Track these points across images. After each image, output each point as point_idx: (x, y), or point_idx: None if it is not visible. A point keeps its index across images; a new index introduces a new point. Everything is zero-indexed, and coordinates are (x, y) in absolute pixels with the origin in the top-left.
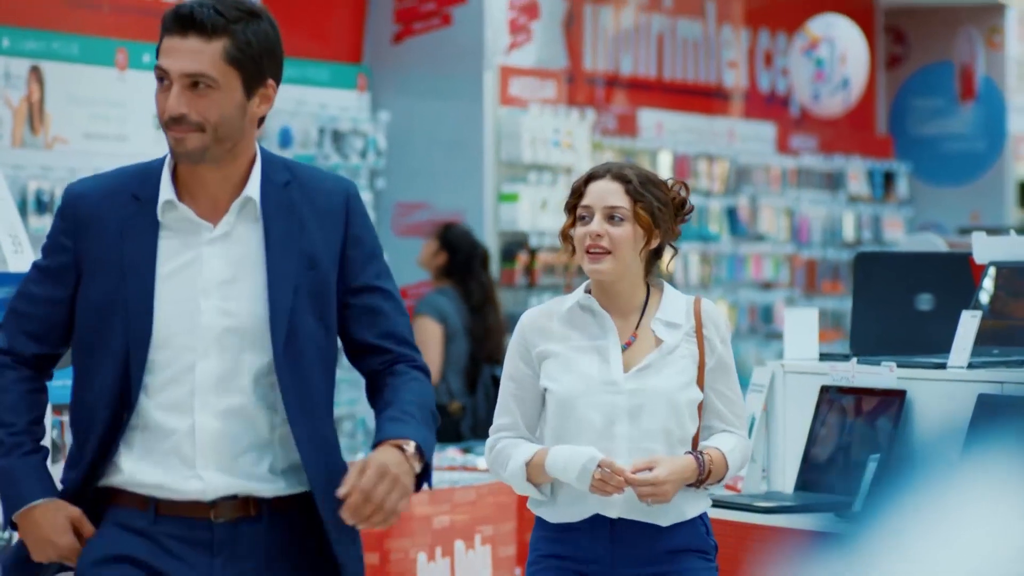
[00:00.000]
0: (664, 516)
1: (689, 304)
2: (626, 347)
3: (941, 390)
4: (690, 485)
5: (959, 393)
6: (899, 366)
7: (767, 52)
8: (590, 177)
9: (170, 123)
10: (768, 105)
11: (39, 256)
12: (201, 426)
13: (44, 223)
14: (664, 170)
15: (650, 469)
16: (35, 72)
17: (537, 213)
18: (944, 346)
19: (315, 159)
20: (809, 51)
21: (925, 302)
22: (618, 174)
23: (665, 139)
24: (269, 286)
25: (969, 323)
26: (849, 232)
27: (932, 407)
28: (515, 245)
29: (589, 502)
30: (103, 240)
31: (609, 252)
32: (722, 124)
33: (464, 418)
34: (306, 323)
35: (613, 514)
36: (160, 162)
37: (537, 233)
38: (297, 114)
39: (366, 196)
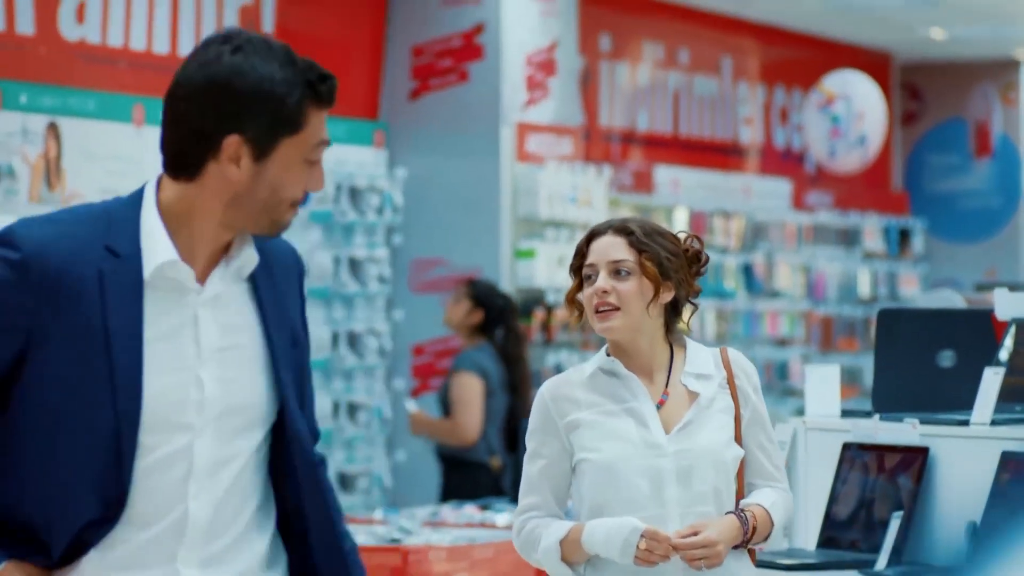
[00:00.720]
0: None
1: (716, 355)
2: (660, 407)
3: (964, 447)
4: (736, 547)
5: (982, 450)
6: (922, 423)
7: (783, 108)
8: (592, 235)
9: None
10: (784, 161)
11: None
12: (194, 516)
13: None
14: (680, 227)
15: (696, 534)
16: (52, 128)
17: (554, 269)
18: (966, 403)
19: (332, 215)
20: (825, 107)
21: (947, 359)
22: (620, 228)
23: (681, 196)
24: (271, 358)
25: (992, 380)
26: (865, 289)
27: (955, 464)
28: (532, 302)
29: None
30: (81, 302)
31: (618, 308)
32: (738, 180)
33: (505, 474)
34: (292, 401)
35: None
36: (119, 206)
37: (554, 289)
38: None
39: (383, 252)
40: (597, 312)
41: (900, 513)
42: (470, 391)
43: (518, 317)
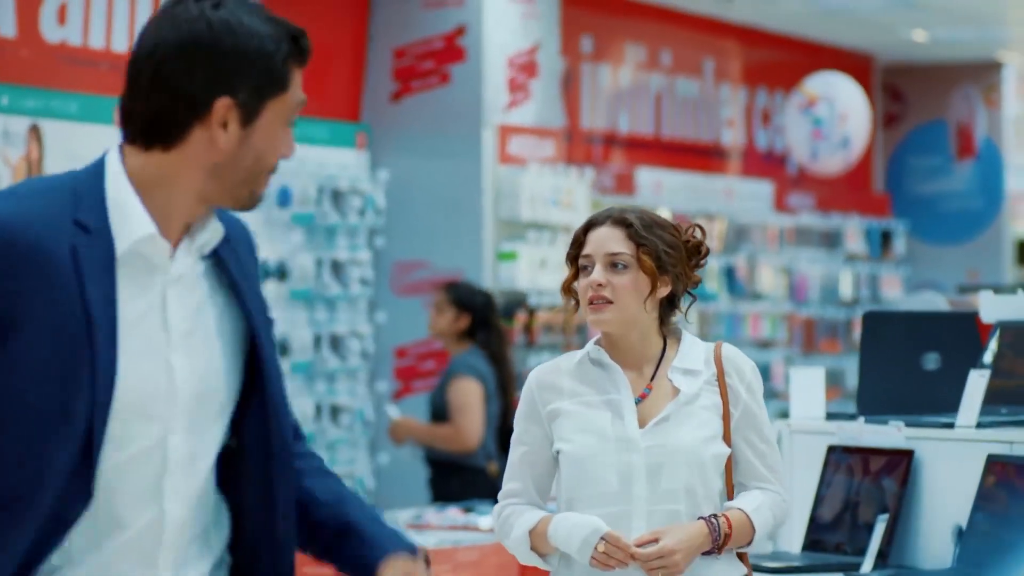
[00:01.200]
0: None
1: (709, 350)
2: (640, 400)
3: (950, 450)
4: (708, 552)
5: (968, 453)
6: (907, 425)
7: (765, 110)
8: (590, 224)
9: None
10: (766, 163)
11: None
12: (171, 516)
13: None
14: None
15: (657, 541)
16: (34, 130)
17: (536, 271)
18: (951, 405)
19: (314, 218)
20: (807, 109)
21: (932, 361)
22: (619, 219)
23: (663, 197)
24: (243, 338)
25: (977, 383)
26: (847, 290)
27: (940, 467)
28: (514, 304)
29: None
30: (55, 283)
31: (611, 302)
32: (720, 182)
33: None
34: (278, 379)
35: None
36: (84, 177)
37: (536, 292)
38: (296, 173)
39: (365, 255)
40: (591, 304)
41: (885, 516)
42: (470, 396)
43: (499, 313)
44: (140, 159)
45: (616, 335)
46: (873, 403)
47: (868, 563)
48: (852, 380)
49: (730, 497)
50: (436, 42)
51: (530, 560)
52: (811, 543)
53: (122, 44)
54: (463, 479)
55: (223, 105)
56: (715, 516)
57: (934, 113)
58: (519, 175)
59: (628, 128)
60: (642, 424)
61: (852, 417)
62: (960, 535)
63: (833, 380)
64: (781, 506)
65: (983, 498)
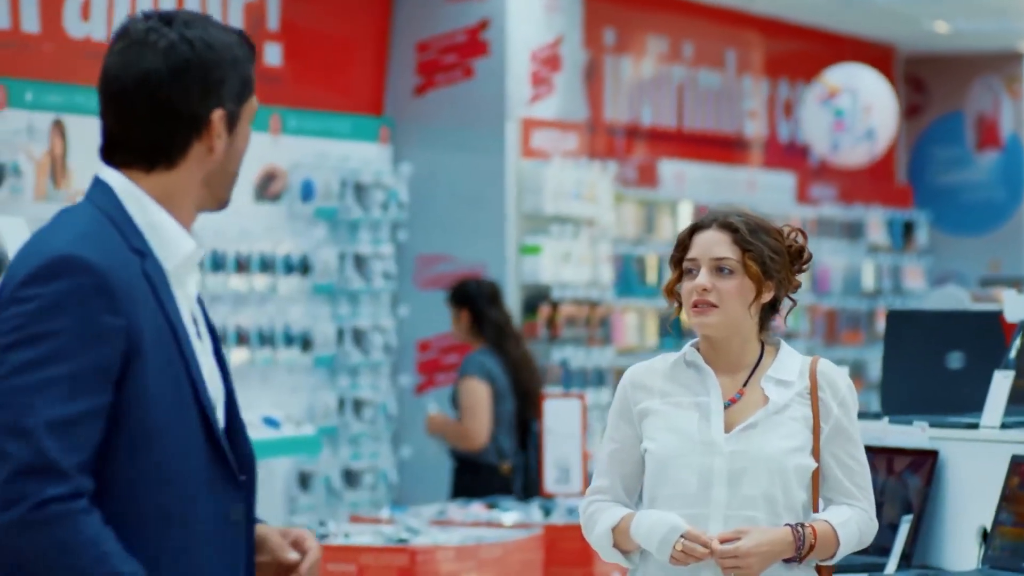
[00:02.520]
0: None
1: (806, 363)
2: (730, 404)
3: (974, 450)
4: (789, 560)
5: (992, 453)
6: (931, 426)
7: (787, 102)
8: (695, 228)
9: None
10: (788, 155)
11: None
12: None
13: None
14: (685, 221)
15: (738, 538)
16: (57, 126)
17: (559, 265)
18: (976, 404)
19: (337, 212)
20: (827, 101)
21: (956, 360)
22: (724, 223)
23: (686, 189)
24: (215, 342)
25: (1001, 383)
26: (869, 281)
27: (965, 467)
28: (537, 297)
29: (679, 573)
30: (147, 305)
31: (716, 306)
32: (742, 174)
33: (515, 476)
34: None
35: None
36: (108, 209)
37: (559, 285)
38: (319, 167)
39: (388, 248)
40: (694, 307)
41: (910, 516)
42: (476, 396)
43: (496, 301)
44: (150, 181)
45: (717, 339)
46: (897, 402)
47: (892, 564)
48: (875, 371)
49: (815, 511)
50: (459, 36)
51: (612, 557)
52: None
53: None
54: (478, 475)
55: (218, 116)
56: (802, 525)
57: (956, 104)
58: (542, 169)
59: (650, 120)
60: (728, 429)
61: (876, 416)
62: (985, 536)
63: (856, 372)
64: (868, 524)
65: (1007, 499)
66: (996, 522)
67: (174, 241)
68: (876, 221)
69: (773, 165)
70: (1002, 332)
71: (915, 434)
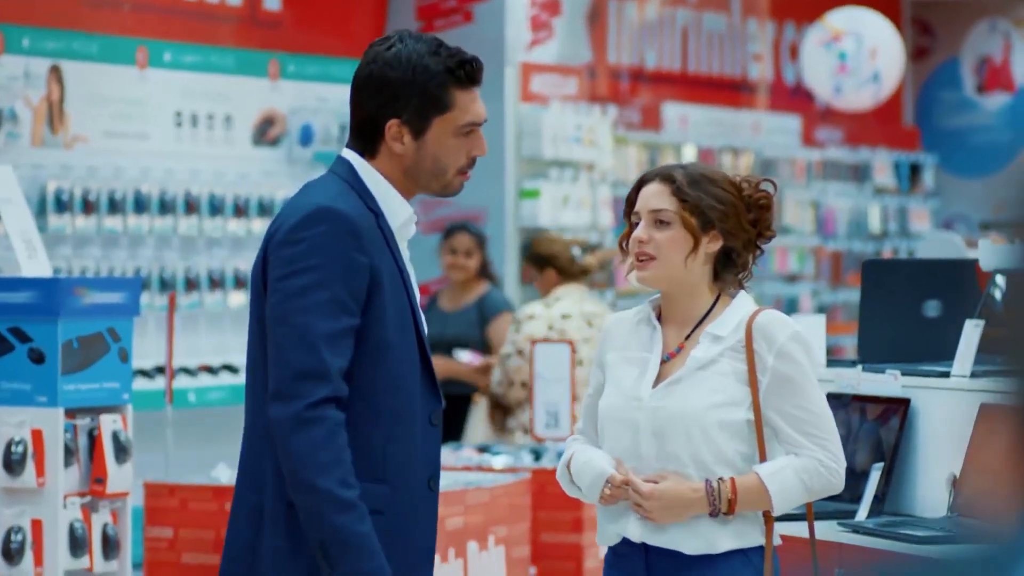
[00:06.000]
0: (687, 544)
1: (745, 316)
2: (669, 359)
3: (944, 399)
4: (713, 514)
5: (962, 402)
6: (903, 374)
7: (792, 44)
8: (641, 182)
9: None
10: (793, 97)
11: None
12: None
13: (63, 222)
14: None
15: (656, 483)
16: (55, 71)
17: (559, 209)
18: (952, 353)
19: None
20: (830, 43)
21: (933, 308)
22: (665, 175)
23: (689, 133)
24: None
25: (972, 332)
26: (875, 224)
27: (936, 416)
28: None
29: (617, 523)
30: (383, 250)
31: (655, 258)
32: (747, 117)
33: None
34: None
35: (636, 538)
36: (349, 180)
37: (559, 229)
38: (318, 111)
39: None
40: (637, 260)
41: (881, 464)
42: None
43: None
44: (372, 163)
45: (665, 292)
46: (874, 351)
47: (864, 510)
48: None
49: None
50: None
51: (571, 491)
52: None
53: None
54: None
55: (393, 124)
56: (721, 480)
57: (963, 46)
58: (541, 113)
59: (654, 63)
60: (657, 384)
61: (851, 364)
62: (954, 483)
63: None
64: (818, 471)
65: (976, 446)
66: (965, 469)
67: (396, 207)
68: (883, 163)
69: (778, 108)
70: (979, 280)
71: (888, 382)
